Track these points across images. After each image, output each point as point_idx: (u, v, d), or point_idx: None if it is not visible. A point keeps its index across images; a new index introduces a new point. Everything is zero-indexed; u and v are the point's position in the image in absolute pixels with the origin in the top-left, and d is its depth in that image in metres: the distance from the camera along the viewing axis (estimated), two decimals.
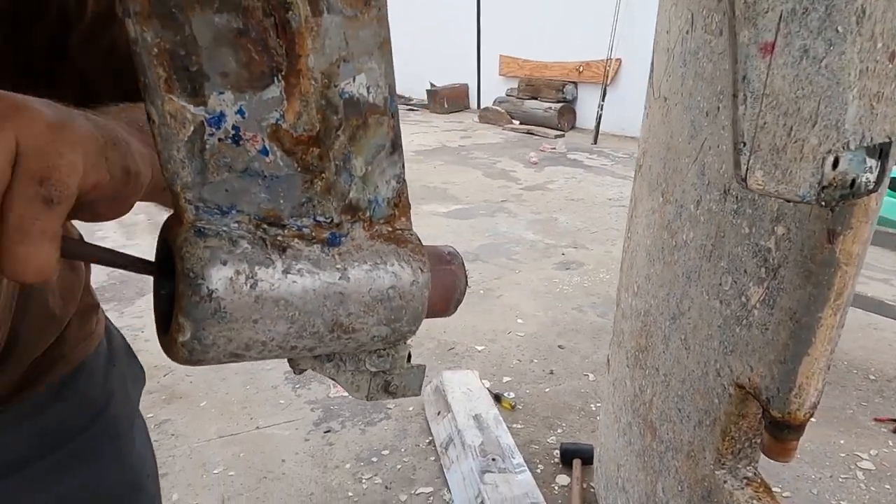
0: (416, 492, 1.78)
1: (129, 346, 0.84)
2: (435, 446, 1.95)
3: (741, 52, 0.48)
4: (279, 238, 0.31)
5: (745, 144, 0.51)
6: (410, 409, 2.17)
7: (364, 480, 1.83)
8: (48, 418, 0.67)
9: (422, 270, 0.35)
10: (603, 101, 6.82)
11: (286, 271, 0.30)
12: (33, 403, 0.65)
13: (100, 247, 0.32)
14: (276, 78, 0.28)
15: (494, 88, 8.58)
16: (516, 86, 8.12)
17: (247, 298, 0.29)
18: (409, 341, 0.40)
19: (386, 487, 1.80)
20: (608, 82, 6.87)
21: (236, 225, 0.30)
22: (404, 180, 0.35)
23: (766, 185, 0.54)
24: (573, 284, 3.21)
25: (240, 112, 0.28)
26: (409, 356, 0.43)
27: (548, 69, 7.89)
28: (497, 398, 2.18)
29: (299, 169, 0.30)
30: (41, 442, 0.67)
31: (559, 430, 2.06)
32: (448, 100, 8.86)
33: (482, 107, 8.51)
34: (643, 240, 1.33)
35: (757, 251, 0.87)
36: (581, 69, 7.47)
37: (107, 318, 0.79)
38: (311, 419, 2.13)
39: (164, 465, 1.91)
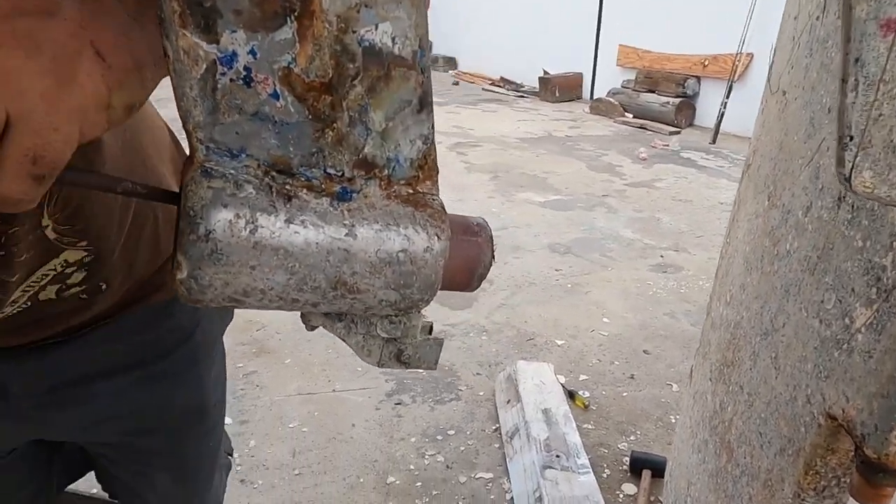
0: (476, 475, 1.78)
1: None
2: (501, 434, 1.94)
3: (856, 30, 0.41)
4: (287, 187, 0.30)
5: (851, 138, 0.44)
6: (481, 393, 2.17)
7: (427, 456, 1.86)
8: (142, 337, 0.74)
9: (438, 237, 0.33)
10: (727, 98, 6.35)
11: (289, 221, 0.29)
12: (133, 322, 0.72)
13: (113, 177, 0.32)
14: (288, 19, 0.28)
15: (609, 79, 8.25)
16: (633, 77, 7.76)
17: (245, 243, 0.29)
18: (424, 311, 0.38)
19: (447, 466, 1.82)
20: (735, 78, 6.38)
21: (245, 169, 0.29)
22: (432, 141, 0.33)
23: (876, 187, 0.46)
24: (668, 289, 3.04)
25: (252, 52, 0.28)
26: (431, 328, 0.41)
27: (669, 61, 7.46)
28: (571, 395, 2.12)
29: (310, 116, 0.29)
30: (134, 357, 0.73)
31: (632, 438, 1.96)
32: (560, 88, 8.65)
33: (594, 97, 8.22)
34: (742, 246, 1.22)
35: (869, 268, 0.77)
36: (706, 63, 7.00)
37: None
38: (384, 390, 2.18)
39: (245, 412, 2.05)
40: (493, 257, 0.40)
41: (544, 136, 6.52)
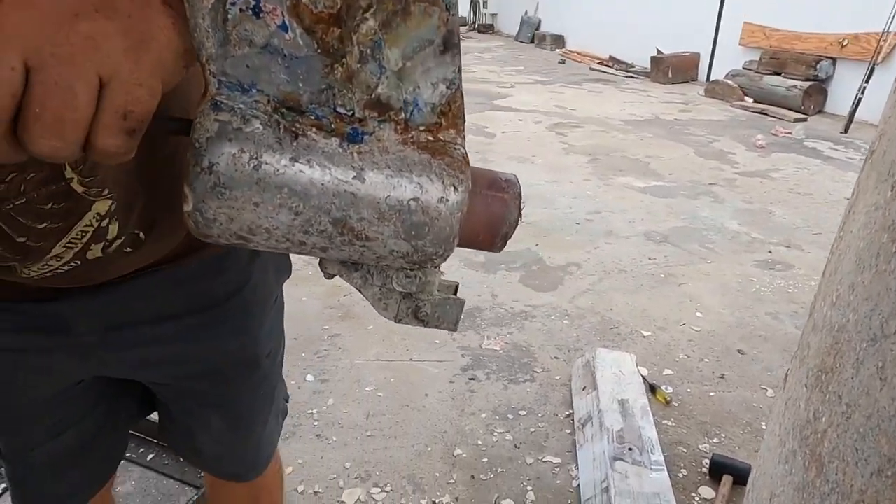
0: (544, 458, 1.75)
1: None
2: (573, 420, 1.89)
3: None
4: (297, 124, 0.29)
5: None
6: (557, 378, 2.12)
7: (495, 434, 1.85)
8: (195, 288, 0.78)
9: (455, 189, 0.31)
10: (866, 82, 5.68)
11: (294, 159, 0.29)
12: (186, 273, 0.76)
13: (174, 118, 0.33)
14: None
15: (729, 60, 7.65)
16: (757, 58, 7.15)
17: (248, 179, 0.28)
18: (440, 267, 0.37)
19: (515, 446, 1.80)
20: (878, 60, 5.69)
21: (254, 104, 0.29)
22: (458, 87, 0.31)
23: None
24: (774, 287, 2.81)
25: None
26: (456, 288, 0.39)
27: (800, 41, 6.79)
28: (652, 389, 2.03)
29: (319, 50, 0.28)
30: (186, 305, 0.77)
31: (715, 440, 1.85)
32: (673, 69, 8.15)
33: (711, 79, 7.67)
34: (856, 241, 1.09)
35: None
36: (845, 42, 6.29)
37: None
38: (459, 364, 2.20)
39: (327, 372, 2.14)
40: (521, 216, 0.37)
41: (651, 118, 6.19)
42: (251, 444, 0.97)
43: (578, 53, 10.04)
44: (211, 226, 0.30)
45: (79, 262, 0.63)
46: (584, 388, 1.97)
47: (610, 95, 7.30)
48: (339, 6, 0.27)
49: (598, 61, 9.39)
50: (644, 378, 2.03)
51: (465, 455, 1.77)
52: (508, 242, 0.39)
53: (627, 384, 1.91)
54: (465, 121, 0.33)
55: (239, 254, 0.80)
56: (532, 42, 11.62)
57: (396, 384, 2.08)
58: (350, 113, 0.30)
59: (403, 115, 0.30)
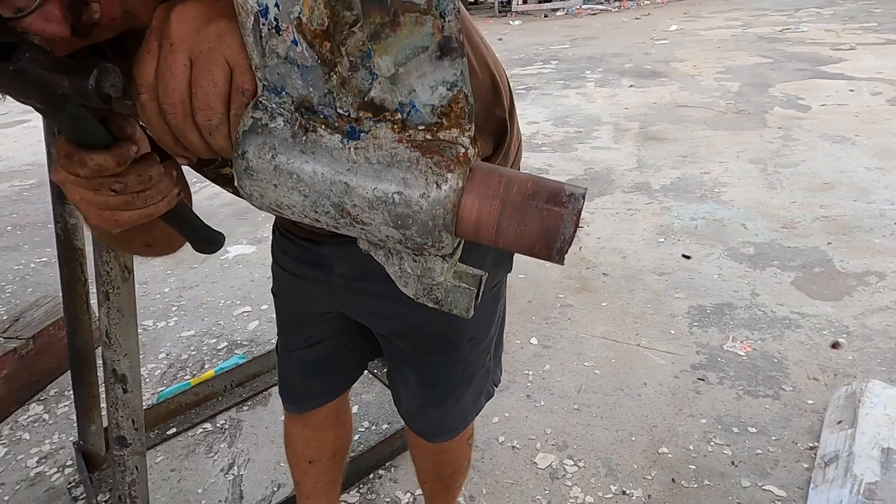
0: (764, 486, 1.54)
1: None
2: (814, 455, 1.60)
3: None
4: (310, 122, 0.35)
5: None
6: (809, 402, 1.80)
7: (712, 444, 1.69)
8: None
9: (438, 185, 0.33)
10: None
11: (302, 151, 0.34)
12: None
13: None
14: None
15: None
16: None
17: (267, 165, 0.35)
18: (454, 256, 0.38)
19: (732, 463, 1.62)
20: None
21: (282, 104, 0.35)
22: (461, 88, 0.32)
23: None
24: None
25: (276, 5, 0.32)
26: (481, 280, 0.41)
27: None
28: None
29: (319, 61, 0.33)
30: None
31: None
32: None
33: None
34: None
35: None
36: None
37: None
38: (690, 361, 2.03)
39: (550, 339, 2.20)
40: (576, 231, 0.37)
41: None
42: (440, 412, 1.06)
43: None
44: (251, 199, 0.38)
45: None
46: (839, 422, 1.64)
47: None
48: (327, 24, 0.32)
49: None
50: None
51: (670, 455, 1.66)
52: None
53: None
54: (471, 120, 0.34)
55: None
56: None
57: (616, 366, 2.03)
58: (347, 114, 0.34)
59: (400, 115, 0.33)
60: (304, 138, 0.35)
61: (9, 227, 3.64)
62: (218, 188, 0.75)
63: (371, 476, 1.67)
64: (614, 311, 2.34)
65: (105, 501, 1.61)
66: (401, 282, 0.42)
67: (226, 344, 2.33)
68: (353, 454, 1.66)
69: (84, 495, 1.67)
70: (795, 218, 2.95)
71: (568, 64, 6.93)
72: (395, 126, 0.34)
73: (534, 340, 2.19)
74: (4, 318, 2.38)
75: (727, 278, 2.49)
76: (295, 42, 0.33)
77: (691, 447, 1.68)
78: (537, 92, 5.78)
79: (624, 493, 1.56)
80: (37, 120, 5.48)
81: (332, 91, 0.34)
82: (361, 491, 1.63)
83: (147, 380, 2.15)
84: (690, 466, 1.62)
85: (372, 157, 0.34)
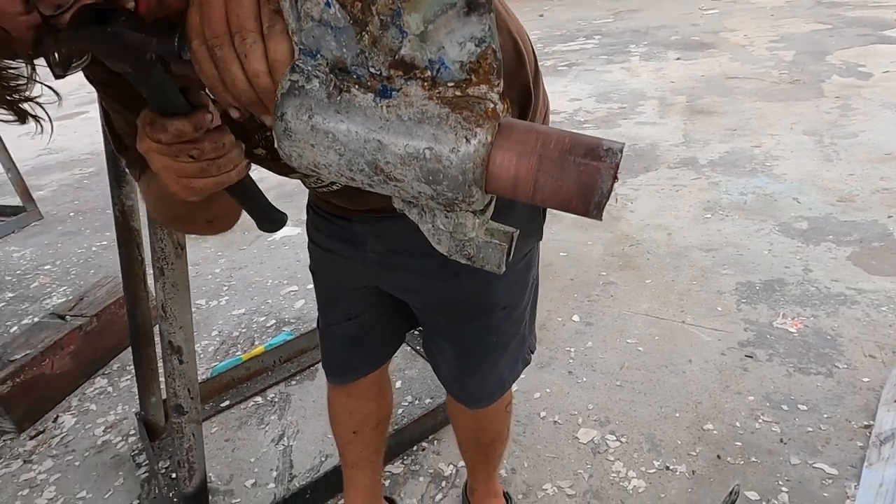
0: (814, 464, 1.50)
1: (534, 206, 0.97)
2: (869, 433, 1.55)
3: None
4: (344, 82, 0.36)
5: None
6: (865, 380, 1.74)
7: (760, 421, 1.65)
8: None
9: (467, 140, 0.33)
10: None
11: (337, 111, 0.36)
12: None
13: None
14: None
15: None
16: None
17: (305, 126, 0.37)
18: (485, 212, 0.39)
19: (781, 440, 1.59)
20: None
21: (317, 66, 0.36)
22: (489, 45, 0.33)
23: None
24: None
25: None
26: (513, 236, 0.42)
27: None
28: None
29: (351, 21, 0.34)
30: (431, 248, 0.91)
31: None
32: None
33: None
34: None
35: None
36: None
37: None
38: (738, 338, 1.98)
39: (593, 316, 2.19)
40: (613, 186, 0.37)
41: None
42: (476, 379, 1.09)
43: None
44: (290, 160, 0.40)
45: (338, 185, 0.82)
46: None
47: None
48: None
49: None
50: None
51: (715, 432, 1.64)
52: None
53: None
54: (500, 76, 0.34)
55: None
56: None
57: (660, 343, 2.01)
58: (379, 73, 0.35)
59: (430, 72, 0.34)
60: (338, 98, 0.36)
61: (71, 214, 3.84)
62: (263, 172, 0.78)
63: (415, 448, 1.71)
64: (658, 288, 2.30)
65: (165, 468, 1.71)
66: (434, 239, 0.43)
67: (274, 321, 2.41)
68: (397, 426, 1.71)
69: (146, 462, 1.77)
70: (853, 191, 2.82)
71: (611, 38, 6.75)
72: (426, 83, 0.35)
73: (576, 318, 2.19)
74: (70, 298, 2.53)
75: (778, 254, 2.41)
76: (328, 4, 0.34)
77: (738, 424, 1.65)
78: (580, 68, 5.66)
79: (667, 468, 1.55)
80: (94, 111, 5.71)
81: (364, 51, 0.35)
82: (405, 462, 1.67)
83: (201, 355, 2.25)
84: (736, 443, 1.60)
85: (403, 114, 0.35)
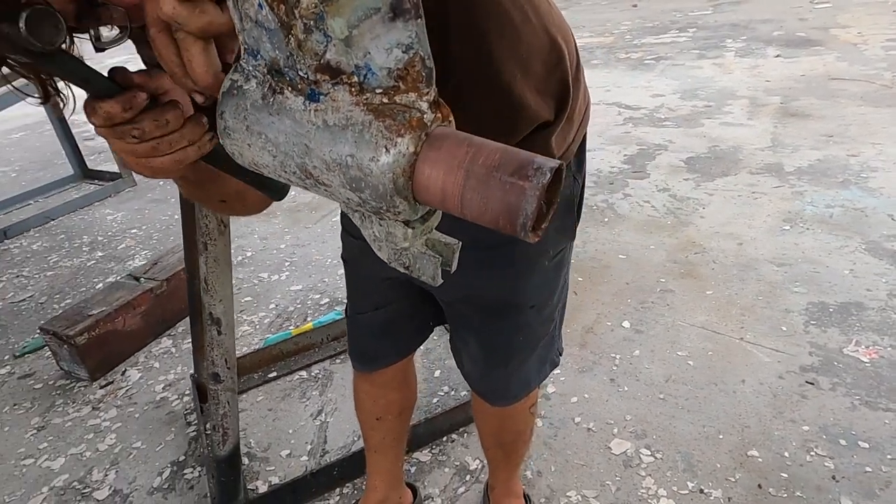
0: None
1: (572, 202, 0.94)
2: None
3: None
4: (279, 84, 0.36)
5: None
6: None
7: (812, 453, 1.54)
8: (477, 226, 0.89)
9: (386, 149, 0.33)
10: None
11: (269, 113, 0.36)
12: None
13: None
14: None
15: None
16: None
17: (241, 125, 0.37)
18: (426, 224, 0.38)
19: (833, 477, 1.47)
20: None
21: (257, 67, 0.37)
22: (417, 51, 0.32)
23: None
24: None
25: None
26: (454, 248, 0.40)
27: None
28: None
29: (278, 24, 0.34)
30: (470, 239, 0.86)
31: None
32: None
33: None
34: None
35: None
36: None
37: (571, 175, 0.90)
38: (800, 361, 1.84)
39: (644, 323, 2.10)
40: (540, 206, 0.34)
41: None
42: (501, 377, 1.08)
43: None
44: (234, 157, 0.40)
45: None
46: None
47: None
48: None
49: None
50: None
51: (760, 459, 1.54)
52: None
53: None
54: (430, 84, 0.33)
55: None
56: None
57: (713, 359, 1.90)
58: (306, 76, 0.35)
59: (357, 78, 0.34)
60: (272, 100, 0.37)
61: (160, 183, 4.12)
62: None
63: (444, 439, 1.72)
64: (719, 300, 2.18)
65: (208, 430, 1.81)
66: (375, 245, 0.43)
67: (328, 300, 2.48)
68: (428, 415, 1.73)
69: (196, 422, 1.89)
70: None
71: (707, 32, 6.38)
72: (353, 89, 0.34)
73: (626, 324, 2.11)
74: (146, 261, 2.72)
75: (861, 275, 2.21)
76: (260, 6, 0.34)
77: (786, 454, 1.55)
78: (667, 63, 5.40)
79: (701, 491, 1.48)
80: None
81: (292, 54, 0.35)
82: (433, 451, 1.69)
83: (257, 326, 2.37)
84: (782, 474, 1.49)
85: (329, 119, 0.35)
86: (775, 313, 2.07)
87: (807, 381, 1.77)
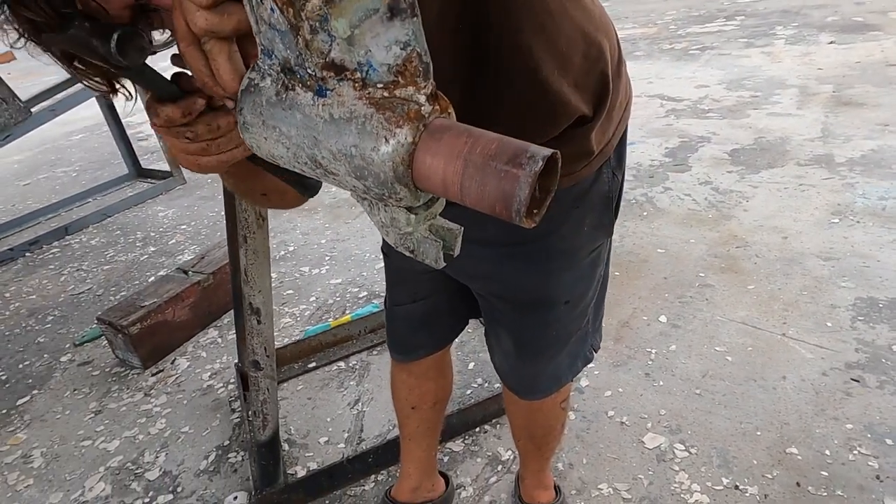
0: None
1: (609, 199, 0.93)
2: None
3: None
4: (291, 81, 0.39)
5: None
6: None
7: (855, 452, 1.49)
8: (507, 224, 0.89)
9: (386, 140, 0.35)
10: None
11: (283, 108, 0.39)
12: None
13: None
14: None
15: None
16: None
17: (258, 120, 0.40)
18: (433, 210, 0.40)
19: (878, 477, 1.42)
20: None
21: (271, 66, 0.40)
22: (414, 48, 0.34)
23: None
24: None
25: None
26: (457, 233, 0.42)
27: None
28: None
29: (288, 26, 0.36)
30: (502, 235, 0.90)
31: None
32: None
33: None
34: None
35: None
36: None
37: (610, 171, 0.89)
38: (846, 358, 1.79)
39: (682, 318, 2.07)
40: (541, 196, 0.36)
41: None
42: (531, 371, 1.09)
43: None
44: (253, 150, 0.44)
45: None
46: None
47: None
48: None
49: None
50: None
51: (799, 457, 1.50)
52: None
53: None
54: (427, 78, 0.36)
55: (560, 196, 0.84)
56: None
57: (753, 354, 1.86)
58: (314, 74, 0.37)
59: (360, 74, 0.36)
60: (285, 96, 0.40)
61: (209, 180, 4.28)
62: None
63: (477, 430, 1.75)
64: (761, 295, 2.12)
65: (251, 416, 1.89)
66: (383, 231, 0.45)
67: (366, 294, 2.54)
68: (462, 406, 1.75)
69: (240, 409, 1.97)
70: None
71: (756, 19, 6.17)
72: (356, 84, 0.37)
73: (662, 318, 2.08)
74: (194, 256, 2.84)
75: None
76: (272, 9, 0.37)
77: (828, 452, 1.51)
78: (713, 52, 5.25)
79: (737, 487, 1.46)
80: None
81: (301, 53, 0.38)
82: (466, 442, 1.72)
83: (298, 318, 2.45)
84: (822, 473, 1.46)
85: (335, 112, 0.37)
86: (820, 308, 2.01)
87: (852, 379, 1.71)
